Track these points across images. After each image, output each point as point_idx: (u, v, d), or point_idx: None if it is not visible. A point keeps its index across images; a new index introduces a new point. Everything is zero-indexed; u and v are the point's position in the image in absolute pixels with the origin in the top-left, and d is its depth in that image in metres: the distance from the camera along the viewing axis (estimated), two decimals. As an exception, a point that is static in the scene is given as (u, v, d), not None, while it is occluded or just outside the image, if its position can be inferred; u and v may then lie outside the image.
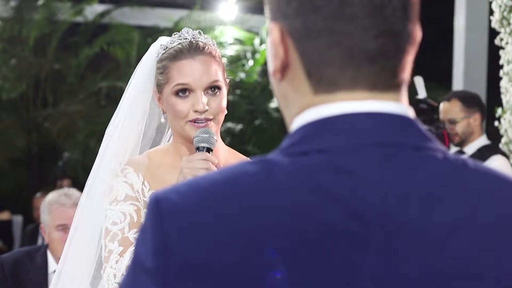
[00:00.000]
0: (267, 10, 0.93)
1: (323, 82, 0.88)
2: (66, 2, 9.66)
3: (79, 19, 9.88)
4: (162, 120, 2.12)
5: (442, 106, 4.35)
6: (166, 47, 2.05)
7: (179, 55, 2.01)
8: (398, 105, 0.88)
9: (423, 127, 0.89)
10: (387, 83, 0.88)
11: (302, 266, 0.81)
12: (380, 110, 0.87)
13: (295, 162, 0.85)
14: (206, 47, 2.02)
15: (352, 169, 0.84)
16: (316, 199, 0.82)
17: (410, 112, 0.89)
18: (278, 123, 9.37)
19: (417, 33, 0.90)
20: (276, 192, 0.83)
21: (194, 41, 2.02)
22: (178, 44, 2.03)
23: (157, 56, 2.07)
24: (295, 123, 0.89)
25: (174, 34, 2.07)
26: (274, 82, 0.93)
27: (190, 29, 2.07)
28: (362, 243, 0.82)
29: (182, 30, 2.07)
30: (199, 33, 2.07)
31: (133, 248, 0.86)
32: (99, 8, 9.99)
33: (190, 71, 1.99)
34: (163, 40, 2.09)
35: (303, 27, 0.87)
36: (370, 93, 0.87)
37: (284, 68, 0.90)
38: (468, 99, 4.36)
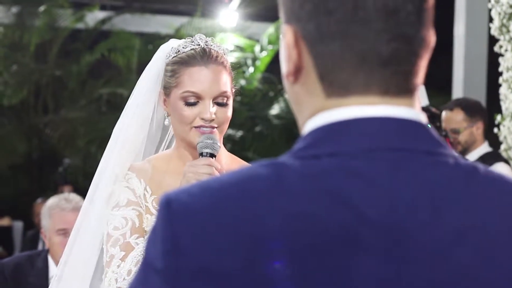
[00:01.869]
0: (281, 12, 0.92)
1: (336, 86, 0.88)
2: (67, 8, 9.68)
3: (80, 25, 9.90)
4: (166, 122, 2.11)
5: (445, 115, 4.28)
6: (178, 51, 2.04)
7: (192, 61, 2.00)
8: (410, 110, 0.88)
9: (435, 133, 0.89)
10: (400, 87, 0.88)
11: (309, 270, 0.81)
12: (392, 115, 0.87)
13: (306, 165, 0.85)
14: (219, 57, 2.02)
15: (363, 173, 0.84)
16: (326, 203, 0.82)
17: (422, 117, 0.89)
18: (278, 130, 9.38)
19: (431, 38, 0.90)
20: (286, 195, 0.83)
21: (207, 49, 2.02)
22: (191, 49, 2.02)
23: (168, 58, 2.06)
24: (307, 126, 0.89)
25: (187, 39, 2.07)
26: (287, 85, 0.93)
27: (203, 35, 2.07)
28: (369, 247, 0.81)
29: (195, 35, 2.07)
30: (212, 40, 2.06)
31: (144, 247, 0.87)
32: (100, 14, 10.01)
33: (201, 79, 1.99)
34: (174, 43, 2.08)
35: (316, 30, 0.87)
36: (382, 98, 0.87)
37: (297, 71, 0.90)
38: (471, 108, 4.28)
